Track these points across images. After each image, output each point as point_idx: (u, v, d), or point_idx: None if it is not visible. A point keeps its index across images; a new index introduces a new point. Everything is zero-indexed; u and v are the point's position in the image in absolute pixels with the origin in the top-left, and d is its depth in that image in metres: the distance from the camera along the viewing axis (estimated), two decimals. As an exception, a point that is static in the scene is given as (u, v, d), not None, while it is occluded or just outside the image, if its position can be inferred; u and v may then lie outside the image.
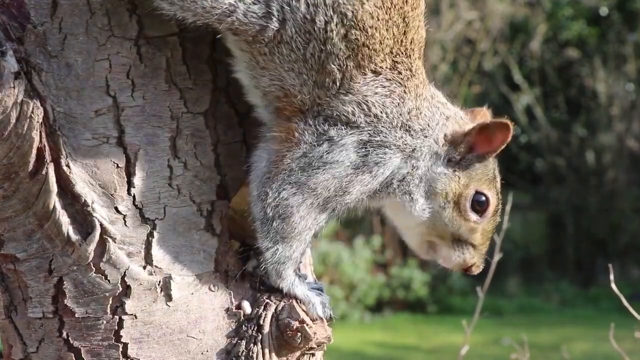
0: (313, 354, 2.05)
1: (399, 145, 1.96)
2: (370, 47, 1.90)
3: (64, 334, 1.93)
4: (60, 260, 1.91)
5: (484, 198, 2.06)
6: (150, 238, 1.93)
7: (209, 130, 1.99)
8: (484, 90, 16.54)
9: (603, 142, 16.32)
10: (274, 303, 1.99)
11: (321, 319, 2.01)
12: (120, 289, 1.91)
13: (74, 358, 1.93)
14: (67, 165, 1.88)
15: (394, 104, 1.94)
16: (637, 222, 16.05)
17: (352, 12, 1.87)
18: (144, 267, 1.93)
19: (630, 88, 16.50)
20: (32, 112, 1.83)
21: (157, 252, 1.93)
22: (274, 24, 1.86)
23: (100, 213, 1.89)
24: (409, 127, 1.96)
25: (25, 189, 1.87)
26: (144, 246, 1.93)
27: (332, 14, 1.86)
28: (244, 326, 1.98)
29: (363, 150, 1.94)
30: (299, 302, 1.99)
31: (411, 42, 1.95)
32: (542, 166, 17.07)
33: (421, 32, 1.98)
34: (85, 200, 1.89)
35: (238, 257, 2.02)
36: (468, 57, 15.73)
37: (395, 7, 1.91)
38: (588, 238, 15.99)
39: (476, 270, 2.13)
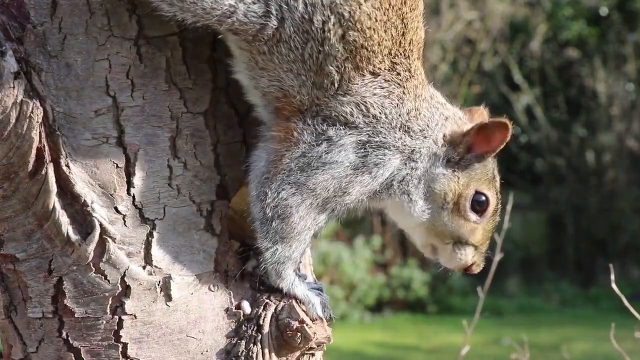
0: (313, 354, 2.05)
1: (398, 147, 1.96)
2: (369, 49, 1.89)
3: (64, 334, 1.93)
4: (60, 260, 1.90)
5: (483, 198, 2.06)
6: (150, 238, 1.93)
7: (209, 130, 1.99)
8: (484, 90, 16.52)
9: (603, 142, 16.31)
10: (274, 303, 1.99)
11: (321, 319, 2.01)
12: (120, 289, 1.91)
13: (73, 358, 1.92)
14: (67, 165, 1.88)
15: (393, 105, 1.94)
16: (637, 222, 16.04)
17: (350, 12, 1.86)
18: (144, 267, 1.92)
19: (630, 88, 16.49)
20: (32, 112, 1.83)
21: (156, 252, 1.93)
22: (273, 22, 1.86)
23: (100, 213, 1.89)
24: (408, 128, 1.96)
25: (25, 189, 1.87)
26: (143, 246, 1.93)
27: (329, 14, 1.86)
28: (243, 326, 1.98)
29: (362, 151, 1.93)
30: (298, 302, 1.99)
31: (410, 43, 1.95)
32: (542, 166, 17.06)
33: (420, 32, 1.98)
34: (84, 200, 1.89)
35: (238, 257, 2.02)
36: (468, 57, 15.72)
37: (393, 8, 1.91)
38: (588, 238, 15.99)
39: (476, 270, 2.13)
